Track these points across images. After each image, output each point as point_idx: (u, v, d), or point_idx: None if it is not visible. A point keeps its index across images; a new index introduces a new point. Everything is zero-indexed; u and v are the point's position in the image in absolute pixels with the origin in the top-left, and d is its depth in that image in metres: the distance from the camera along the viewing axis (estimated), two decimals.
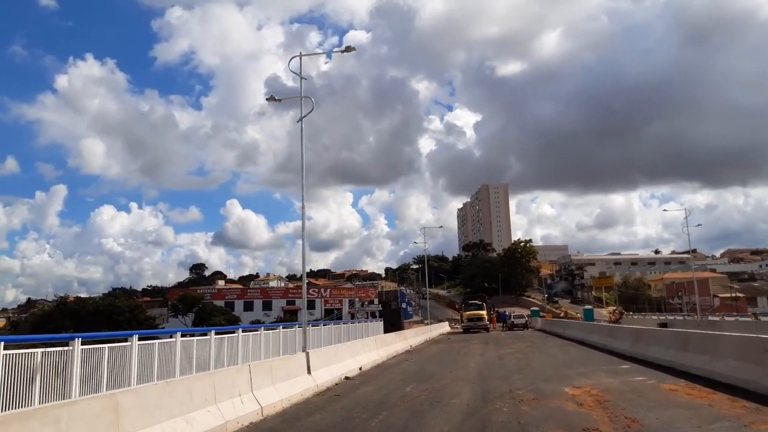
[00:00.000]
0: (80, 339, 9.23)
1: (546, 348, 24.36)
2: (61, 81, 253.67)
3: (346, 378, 15.07)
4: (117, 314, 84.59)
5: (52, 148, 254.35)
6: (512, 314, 56.05)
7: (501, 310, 73.51)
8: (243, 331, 14.63)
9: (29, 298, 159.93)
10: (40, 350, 8.39)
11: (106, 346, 10.01)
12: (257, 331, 15.54)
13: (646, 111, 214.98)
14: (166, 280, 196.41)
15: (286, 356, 14.20)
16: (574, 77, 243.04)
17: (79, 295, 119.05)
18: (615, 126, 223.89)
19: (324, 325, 25.44)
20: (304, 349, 13.06)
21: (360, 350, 18.36)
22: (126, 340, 11.19)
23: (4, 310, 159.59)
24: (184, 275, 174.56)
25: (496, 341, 31.75)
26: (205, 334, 14.81)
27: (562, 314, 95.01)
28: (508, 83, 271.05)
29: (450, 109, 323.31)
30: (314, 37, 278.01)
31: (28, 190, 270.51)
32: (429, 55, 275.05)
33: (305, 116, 14.69)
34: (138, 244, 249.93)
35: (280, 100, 16.86)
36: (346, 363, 16.07)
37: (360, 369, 17.09)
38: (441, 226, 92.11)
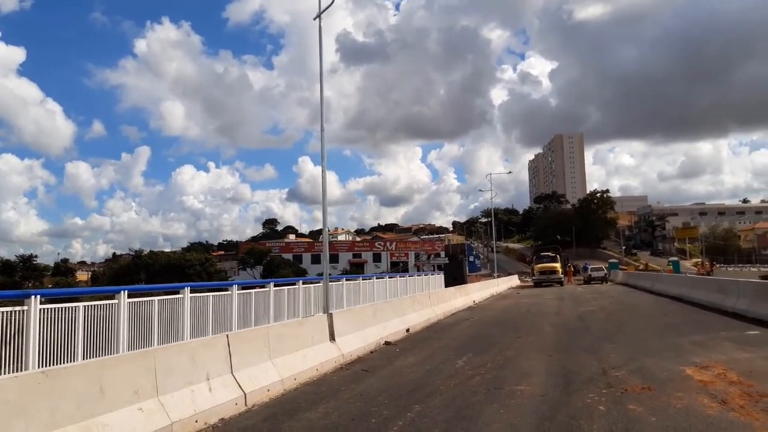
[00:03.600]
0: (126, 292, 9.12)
1: (637, 306, 20.47)
2: (140, 45, 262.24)
3: (386, 343, 12.11)
4: (188, 267, 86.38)
5: (135, 111, 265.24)
6: (590, 267, 51.44)
7: (575, 263, 68.77)
8: (241, 288, 11.86)
9: (114, 253, 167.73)
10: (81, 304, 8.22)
11: None
12: (265, 287, 12.70)
13: (740, 51, 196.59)
14: (243, 234, 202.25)
15: (295, 320, 11.33)
16: (661, 18, 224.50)
17: (163, 249, 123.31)
18: (705, 68, 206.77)
19: (376, 278, 22.62)
20: (326, 310, 10.11)
21: (408, 308, 15.31)
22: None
23: (92, 264, 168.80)
24: (260, 230, 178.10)
25: (573, 297, 27.97)
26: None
27: (642, 267, 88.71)
28: (588, 27, 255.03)
29: (523, 57, 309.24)
30: None
31: (114, 151, 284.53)
32: (502, 1, 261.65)
33: (324, 10, 11.32)
34: (217, 201, 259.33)
35: None
36: (389, 324, 13.08)
37: (407, 331, 14.09)
38: (510, 172, 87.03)
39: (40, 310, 7.76)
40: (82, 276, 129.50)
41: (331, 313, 10.15)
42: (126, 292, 9.90)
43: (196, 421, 5.97)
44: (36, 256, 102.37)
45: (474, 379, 8.01)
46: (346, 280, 19.34)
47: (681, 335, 11.89)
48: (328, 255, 10.54)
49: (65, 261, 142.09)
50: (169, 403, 5.74)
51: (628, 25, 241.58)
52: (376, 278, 22.54)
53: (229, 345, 7.04)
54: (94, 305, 9.17)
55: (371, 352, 11.10)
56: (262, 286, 14.83)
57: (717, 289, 18.05)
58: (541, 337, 12.72)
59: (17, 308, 7.57)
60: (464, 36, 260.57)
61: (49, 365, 7.77)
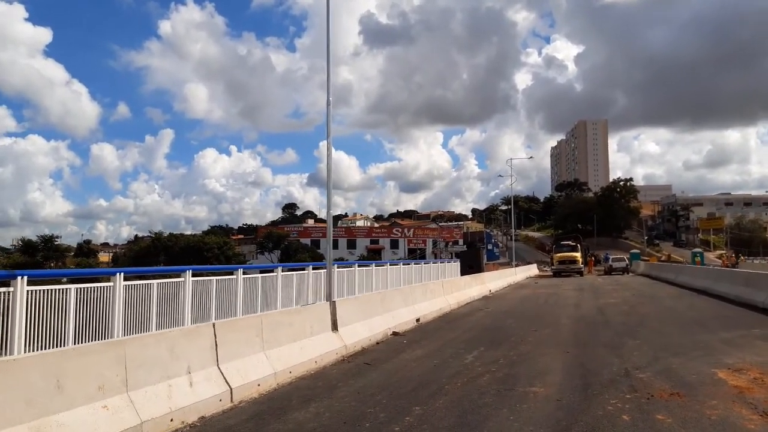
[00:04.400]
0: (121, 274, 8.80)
1: (660, 299, 19.58)
2: (165, 27, 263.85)
3: (394, 334, 11.49)
4: (206, 250, 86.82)
5: (159, 93, 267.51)
6: (611, 257, 50.24)
7: (596, 252, 67.43)
8: (242, 273, 11.31)
9: (136, 235, 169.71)
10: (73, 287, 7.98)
11: None
12: (273, 272, 12.14)
13: None
14: (264, 218, 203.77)
15: (293, 308, 10.75)
16: (693, 1, 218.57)
17: (184, 232, 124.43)
18: (737, 54, 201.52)
19: (390, 264, 22.00)
20: (328, 298, 9.51)
21: (419, 297, 14.65)
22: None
23: (115, 245, 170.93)
24: (279, 215, 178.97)
25: (593, 288, 27.09)
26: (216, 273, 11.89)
27: (664, 258, 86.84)
28: (616, 10, 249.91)
29: (548, 41, 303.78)
30: None
31: (138, 133, 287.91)
32: None
33: None
34: (238, 184, 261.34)
35: None
36: (397, 314, 12.45)
37: (417, 321, 13.46)
38: (531, 157, 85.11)
39: (27, 291, 7.33)
40: (104, 257, 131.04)
41: (335, 301, 9.54)
42: (122, 274, 9.45)
43: (172, 420, 5.41)
44: (58, 237, 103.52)
45: (484, 377, 7.35)
46: (358, 266, 18.78)
47: (709, 331, 11.10)
48: (331, 238, 9.93)
49: (88, 242, 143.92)
50: (140, 400, 5.18)
51: (658, 7, 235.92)
52: (390, 265, 21.92)
53: (215, 335, 6.46)
54: (89, 287, 8.72)
55: (377, 343, 10.49)
56: (270, 271, 14.36)
57: (744, 283, 17.12)
58: (558, 330, 12.00)
59: (2, 289, 7.13)
60: (489, 18, 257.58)
61: (37, 350, 7.35)
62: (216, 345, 6.45)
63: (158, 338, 5.84)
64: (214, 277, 12.02)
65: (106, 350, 5.18)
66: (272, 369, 7.23)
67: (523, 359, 8.55)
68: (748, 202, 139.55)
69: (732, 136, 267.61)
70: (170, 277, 11.40)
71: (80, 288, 8.45)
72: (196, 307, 11.39)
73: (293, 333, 8.10)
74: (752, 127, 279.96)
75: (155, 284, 10.20)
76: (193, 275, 11.31)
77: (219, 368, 6.40)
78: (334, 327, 9.38)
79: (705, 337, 10.38)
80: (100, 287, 8.93)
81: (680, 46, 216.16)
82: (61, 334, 7.94)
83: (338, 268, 16.79)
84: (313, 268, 15.92)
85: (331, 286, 9.61)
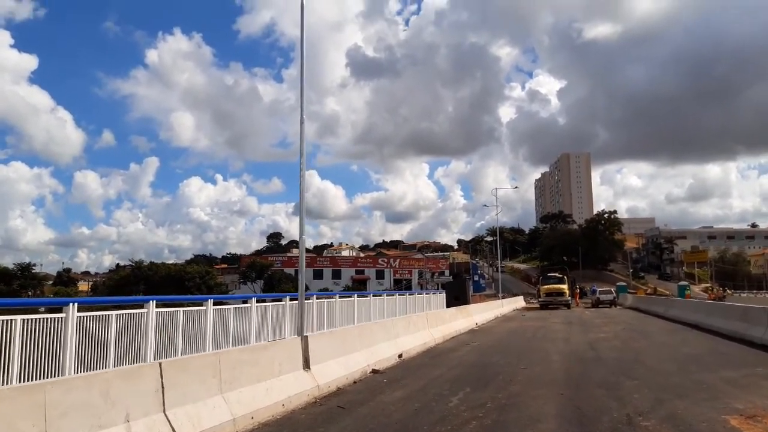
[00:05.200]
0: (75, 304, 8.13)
1: (651, 334, 18.89)
2: (152, 56, 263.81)
3: (373, 372, 10.64)
4: (187, 279, 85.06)
5: (145, 121, 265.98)
6: (598, 289, 49.68)
7: (581, 285, 66.93)
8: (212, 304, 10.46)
9: (118, 264, 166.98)
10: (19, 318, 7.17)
11: None
12: (247, 303, 11.27)
13: (750, 74, 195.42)
14: (249, 248, 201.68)
15: (260, 344, 9.89)
16: (671, 38, 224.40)
17: (167, 261, 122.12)
18: (715, 90, 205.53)
19: (373, 296, 21.14)
20: (299, 332, 8.68)
21: (402, 330, 13.83)
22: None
23: (96, 274, 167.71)
24: (264, 244, 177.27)
25: (582, 321, 26.38)
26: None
27: (650, 291, 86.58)
28: (597, 47, 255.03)
29: (531, 75, 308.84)
30: (393, 4, 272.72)
31: (123, 161, 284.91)
32: (512, 19, 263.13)
33: None
34: (223, 213, 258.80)
35: None
36: (378, 349, 11.61)
37: (400, 357, 12.62)
38: (516, 187, 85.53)
39: None
40: (84, 286, 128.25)
41: (306, 336, 8.72)
42: (75, 305, 8.61)
43: None
44: (35, 264, 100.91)
45: (470, 424, 6.54)
46: (340, 297, 17.92)
47: (709, 370, 10.39)
48: (303, 266, 9.12)
49: (68, 271, 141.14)
50: None
51: (638, 44, 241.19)
52: (372, 296, 21.07)
53: (162, 375, 5.63)
54: (37, 318, 7.89)
55: (354, 382, 9.63)
56: (244, 302, 13.49)
57: (740, 317, 16.51)
58: (549, 367, 11.22)
59: None
60: (473, 53, 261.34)
61: None
62: (162, 387, 5.61)
63: (89, 381, 5.00)
64: (182, 309, 11.21)
65: (19, 396, 4.34)
66: (231, 414, 6.38)
67: (513, 403, 7.75)
68: (731, 236, 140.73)
69: (713, 171, 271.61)
70: (131, 307, 10.61)
71: (26, 319, 7.61)
72: (161, 341, 10.54)
73: (257, 372, 7.26)
74: (732, 162, 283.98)
75: (114, 316, 9.36)
76: (158, 306, 10.50)
77: (165, 415, 5.56)
78: (306, 365, 8.55)
79: (706, 376, 9.66)
80: (49, 318, 8.11)
81: (660, 82, 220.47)
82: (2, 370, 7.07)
83: (317, 299, 15.96)
84: (291, 299, 15.09)
85: (303, 319, 8.78)
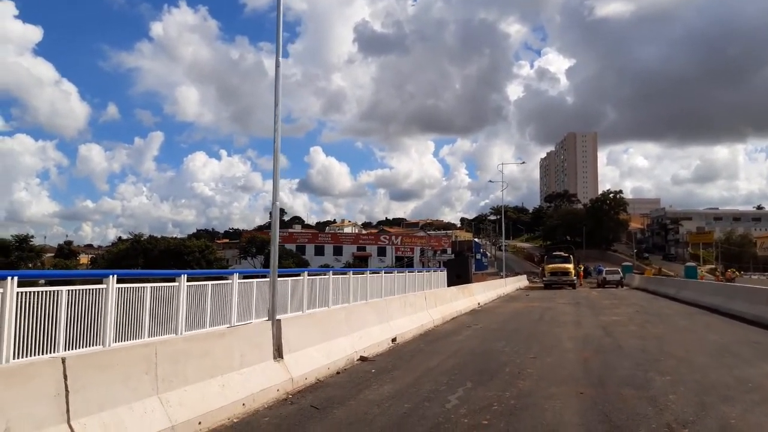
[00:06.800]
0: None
1: (668, 317, 17.47)
2: (157, 28, 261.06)
3: (361, 359, 9.28)
4: (186, 254, 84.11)
5: (150, 95, 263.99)
6: (604, 269, 48.28)
7: (585, 264, 65.57)
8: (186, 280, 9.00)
9: (120, 237, 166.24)
10: None
11: None
12: (228, 279, 9.78)
13: (762, 55, 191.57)
14: (252, 223, 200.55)
15: (215, 330, 8.50)
16: (683, 18, 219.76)
17: (172, 235, 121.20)
18: (726, 71, 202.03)
19: (370, 273, 19.75)
20: (270, 315, 7.29)
21: (397, 311, 12.45)
22: None
23: (98, 247, 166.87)
24: (267, 220, 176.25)
25: (590, 302, 25.03)
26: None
27: (655, 271, 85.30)
28: (608, 25, 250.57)
29: (539, 54, 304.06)
30: None
31: (127, 135, 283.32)
32: None
33: None
34: (227, 189, 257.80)
35: None
36: (368, 333, 10.24)
37: (393, 341, 11.27)
38: (523, 162, 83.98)
39: None
40: (85, 259, 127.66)
41: (279, 320, 7.32)
42: (15, 278, 7.28)
43: None
44: (32, 237, 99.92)
45: None
46: (334, 273, 16.53)
47: (749, 364, 9.00)
48: (277, 234, 7.67)
49: (69, 243, 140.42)
50: None
51: (650, 23, 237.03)
52: (370, 273, 19.68)
53: (65, 375, 4.24)
54: None
55: (337, 372, 8.28)
56: (223, 278, 12.09)
57: (767, 302, 15.10)
58: (563, 357, 9.84)
59: None
60: (482, 29, 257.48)
61: None
62: (67, 391, 4.22)
63: None
64: (149, 284, 9.81)
65: None
66: (169, 420, 5.01)
67: (524, 405, 6.37)
68: (737, 217, 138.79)
69: (721, 152, 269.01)
70: (88, 283, 9.23)
71: None
72: (125, 322, 9.15)
73: (210, 365, 5.87)
74: (741, 144, 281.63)
75: (64, 292, 8.00)
76: (120, 281, 9.11)
77: (70, 426, 4.19)
78: (278, 354, 7.17)
79: (748, 371, 8.28)
80: None
81: (670, 62, 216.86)
82: None
83: (308, 276, 14.55)
84: (283, 276, 13.70)
85: (274, 299, 7.37)
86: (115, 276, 8.97)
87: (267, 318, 7.58)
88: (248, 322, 10.65)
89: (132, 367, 4.97)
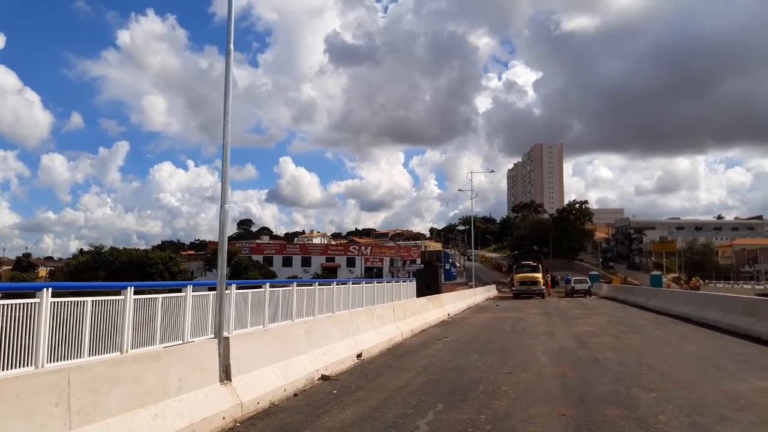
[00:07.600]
0: None
1: (642, 327, 17.08)
2: (123, 37, 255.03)
3: (323, 378, 8.50)
4: (150, 266, 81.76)
5: (116, 104, 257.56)
6: (572, 278, 48.33)
7: (553, 273, 65.80)
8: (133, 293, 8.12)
9: (81, 249, 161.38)
10: None
11: None
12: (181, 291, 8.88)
13: (723, 69, 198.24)
14: (218, 235, 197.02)
15: (148, 351, 7.63)
16: (649, 32, 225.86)
17: (136, 247, 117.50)
18: (689, 85, 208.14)
19: (337, 284, 18.91)
20: (217, 333, 6.47)
21: (363, 325, 11.69)
22: None
23: (59, 260, 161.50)
24: (235, 231, 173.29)
25: (560, 312, 24.66)
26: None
27: (621, 280, 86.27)
28: (574, 39, 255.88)
29: (507, 66, 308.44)
30: None
31: (92, 145, 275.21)
32: (491, 8, 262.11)
33: None
34: (194, 199, 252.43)
35: None
36: (331, 349, 9.46)
37: (359, 357, 10.50)
38: (492, 170, 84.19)
39: None
40: (44, 272, 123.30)
41: (227, 337, 6.51)
42: None
43: None
44: None
45: None
46: (298, 285, 15.67)
47: (734, 377, 8.52)
48: (226, 241, 6.89)
49: (27, 256, 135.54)
50: None
51: (615, 38, 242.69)
52: (336, 284, 18.86)
53: None
54: None
55: (295, 394, 7.48)
56: (177, 290, 11.15)
57: (744, 311, 14.82)
58: (540, 373, 9.22)
59: None
60: (452, 42, 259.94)
61: None
62: None
63: None
64: (90, 298, 8.84)
65: None
66: None
67: (501, 429, 5.69)
68: (698, 227, 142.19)
69: (682, 163, 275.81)
70: (17, 297, 8.24)
71: None
72: (61, 341, 8.16)
73: (141, 393, 5.03)
74: (701, 155, 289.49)
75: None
76: (56, 295, 8.15)
77: None
78: (226, 376, 6.35)
79: (736, 386, 7.77)
80: None
81: (635, 75, 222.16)
82: None
83: (271, 287, 13.65)
84: (243, 287, 12.81)
85: (221, 315, 6.55)
86: (50, 289, 8.02)
87: (213, 335, 6.74)
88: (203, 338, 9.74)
89: (39, 398, 4.11)
